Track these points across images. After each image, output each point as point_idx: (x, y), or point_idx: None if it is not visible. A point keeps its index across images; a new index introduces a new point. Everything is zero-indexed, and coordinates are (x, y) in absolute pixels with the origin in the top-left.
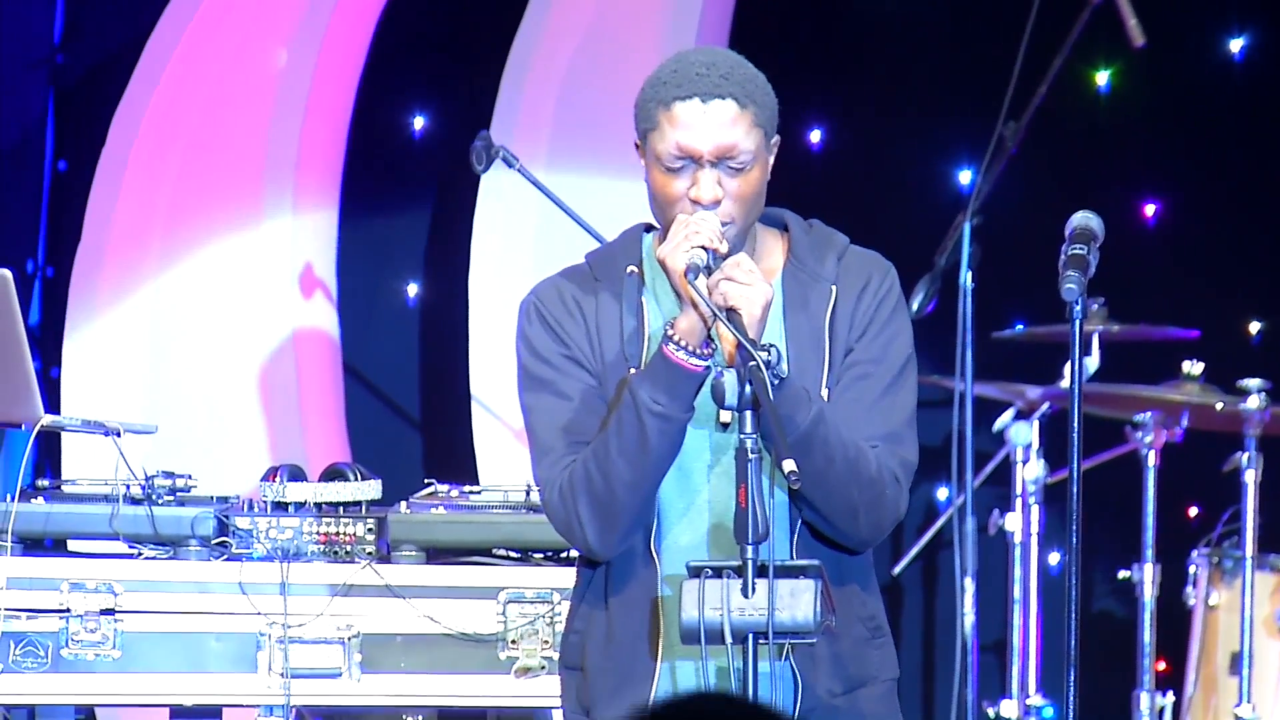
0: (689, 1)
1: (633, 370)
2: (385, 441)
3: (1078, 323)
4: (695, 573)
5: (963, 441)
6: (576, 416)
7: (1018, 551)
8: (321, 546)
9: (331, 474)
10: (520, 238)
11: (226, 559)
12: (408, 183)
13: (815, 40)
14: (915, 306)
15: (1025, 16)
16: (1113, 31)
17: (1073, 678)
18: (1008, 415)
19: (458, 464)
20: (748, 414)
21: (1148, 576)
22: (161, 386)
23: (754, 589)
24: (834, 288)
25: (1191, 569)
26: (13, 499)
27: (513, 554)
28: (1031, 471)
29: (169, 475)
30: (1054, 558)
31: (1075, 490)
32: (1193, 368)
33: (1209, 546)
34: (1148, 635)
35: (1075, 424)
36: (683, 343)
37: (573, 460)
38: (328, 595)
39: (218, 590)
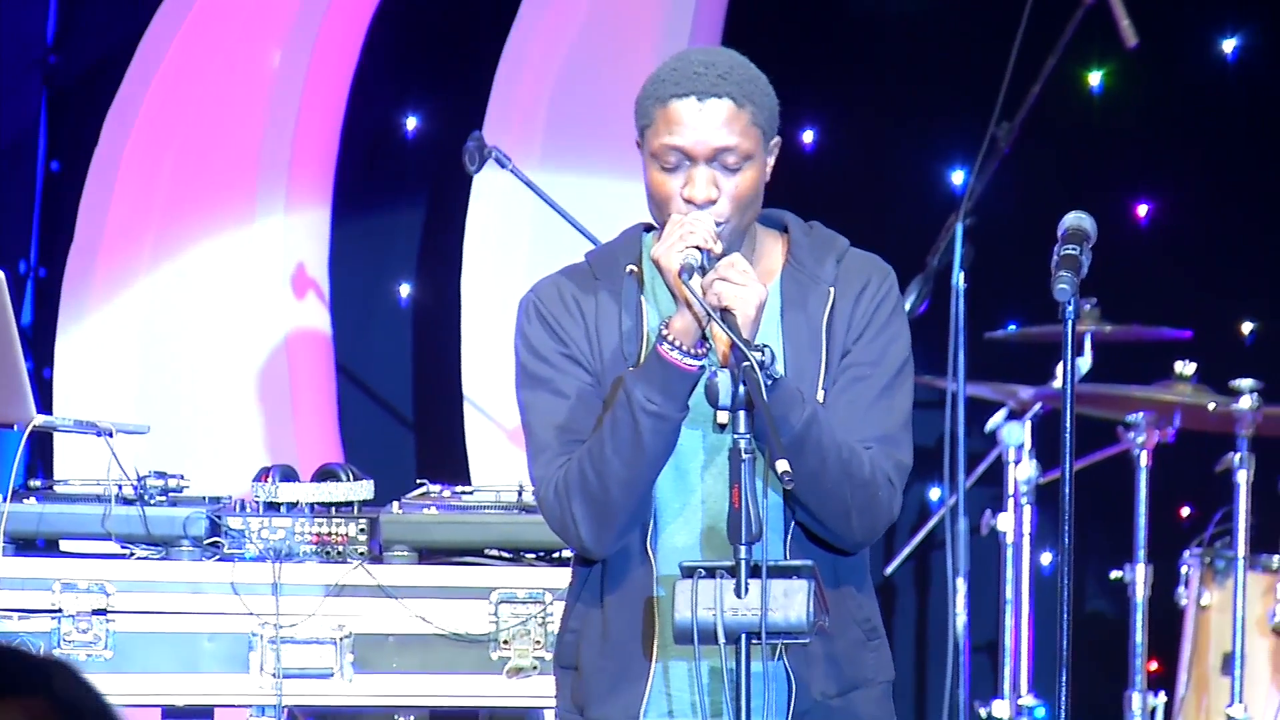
0: (683, 1)
1: (630, 369)
2: (378, 442)
3: (1070, 323)
4: (689, 573)
5: (955, 442)
6: (573, 415)
7: (1010, 552)
8: (314, 547)
9: (324, 474)
10: (513, 238)
11: (219, 559)
12: (401, 183)
13: (808, 40)
14: (908, 307)
15: (1018, 17)
16: (1106, 32)
17: (1065, 678)
18: (1000, 415)
19: (450, 464)
20: (741, 414)
21: (1140, 577)
22: (154, 387)
23: (747, 589)
24: (832, 290)
25: (1183, 569)
26: (5, 499)
27: (505, 554)
28: (1024, 472)
29: (161, 475)
30: (1046, 558)
31: (1067, 490)
32: (1185, 368)
33: (1201, 547)
34: (1139, 635)
35: (1067, 424)
36: (677, 342)
37: (568, 458)
38: (320, 595)
39: (210, 590)
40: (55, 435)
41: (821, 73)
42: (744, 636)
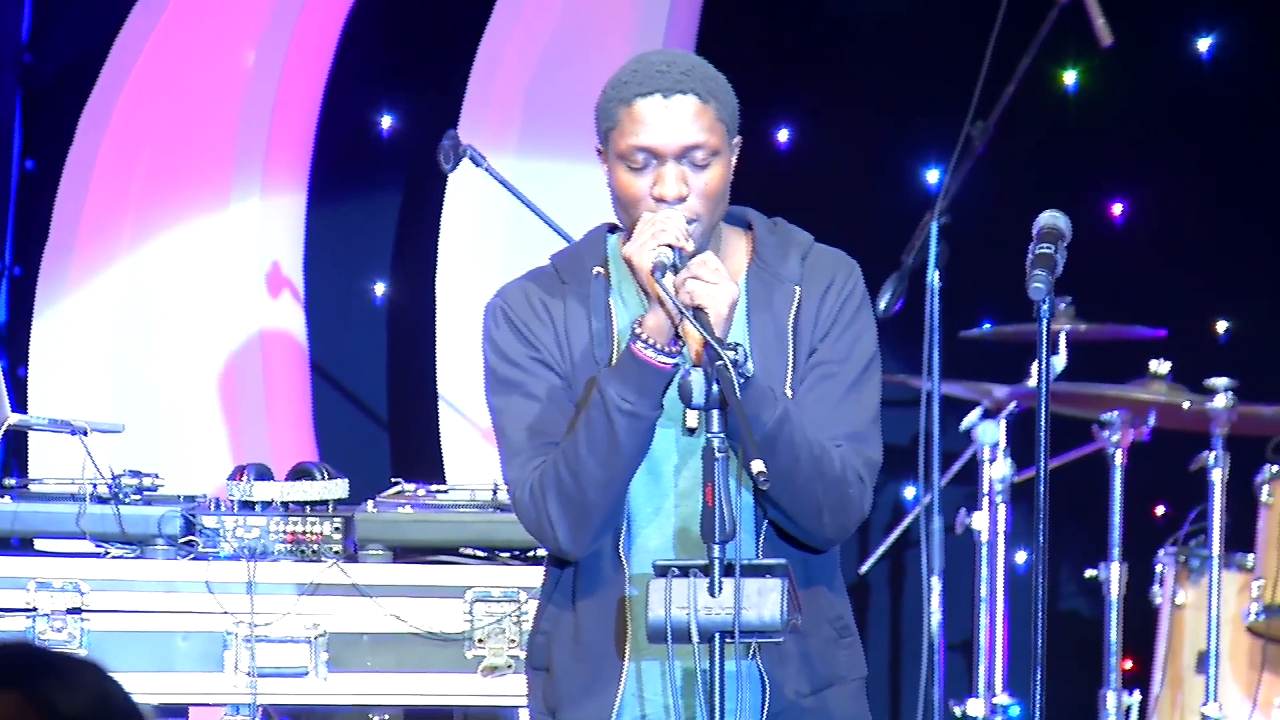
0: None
1: (603, 369)
2: (352, 440)
3: (1045, 322)
4: (662, 572)
5: (930, 440)
6: (546, 417)
7: (984, 550)
8: (288, 545)
9: (298, 473)
10: (488, 237)
11: (193, 558)
12: (376, 181)
13: (783, 38)
14: (883, 305)
15: (993, 16)
16: (1081, 31)
17: (1039, 676)
18: (975, 414)
19: (425, 463)
20: (714, 413)
21: (1114, 575)
22: (128, 386)
23: (721, 588)
24: (798, 288)
25: (1158, 568)
26: None
27: (480, 553)
28: (998, 470)
29: (136, 474)
30: (1021, 556)
31: (1042, 489)
32: (1160, 367)
33: (1176, 545)
34: (1114, 634)
35: (1042, 423)
36: (651, 340)
37: (543, 460)
38: (295, 594)
39: (184, 589)
40: (30, 434)
41: (797, 71)
42: (718, 635)
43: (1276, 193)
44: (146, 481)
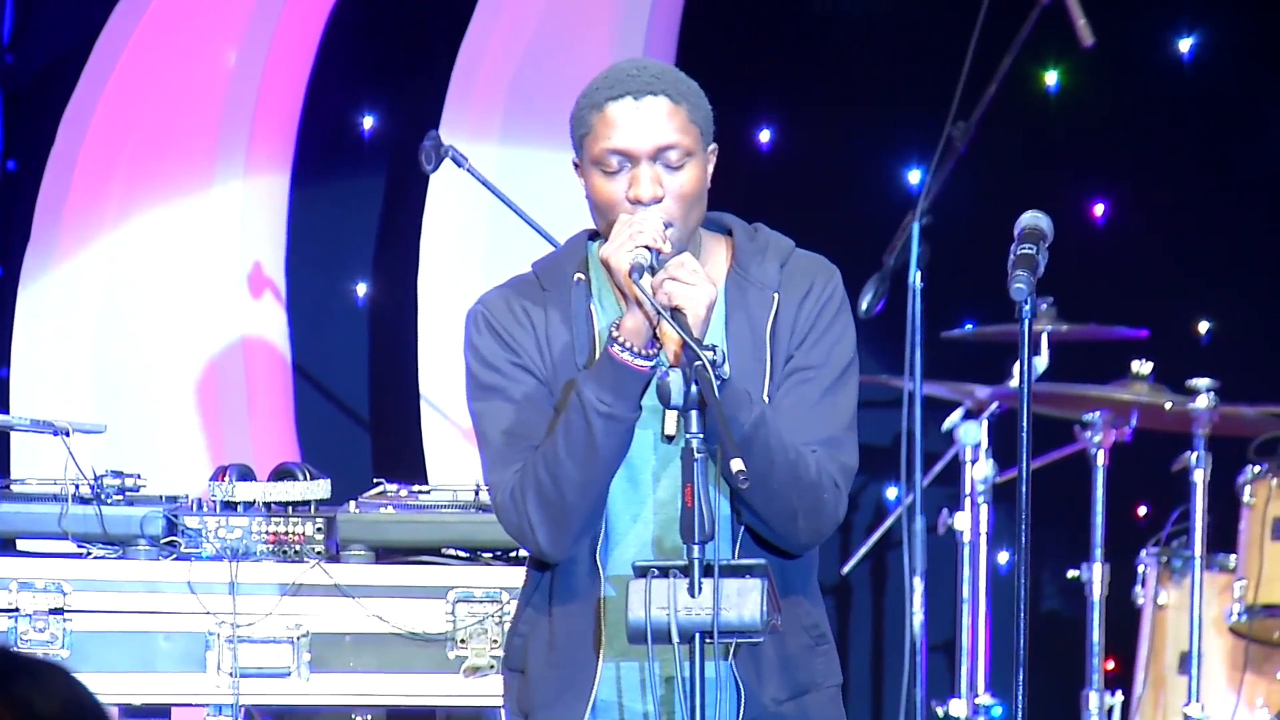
0: (639, 2)
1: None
2: (334, 441)
3: (1027, 322)
4: (642, 572)
5: (912, 441)
6: (527, 421)
7: (967, 551)
8: (270, 546)
9: (280, 474)
10: (470, 237)
11: (175, 558)
12: (357, 182)
13: (765, 38)
14: (864, 306)
15: (974, 16)
16: (1062, 31)
17: (1022, 677)
18: (957, 415)
19: (407, 463)
20: (693, 413)
21: (1096, 576)
22: (110, 386)
23: (700, 588)
24: (776, 295)
25: (1140, 568)
26: None
27: (462, 554)
28: (980, 471)
29: (118, 475)
30: (1003, 557)
31: (1024, 490)
32: (1141, 367)
33: (1158, 546)
34: (1096, 634)
35: (1024, 423)
36: (628, 343)
37: (523, 464)
38: (277, 595)
39: (167, 590)
40: (11, 434)
41: (778, 71)
42: (698, 636)
43: (1258, 193)
44: (129, 482)
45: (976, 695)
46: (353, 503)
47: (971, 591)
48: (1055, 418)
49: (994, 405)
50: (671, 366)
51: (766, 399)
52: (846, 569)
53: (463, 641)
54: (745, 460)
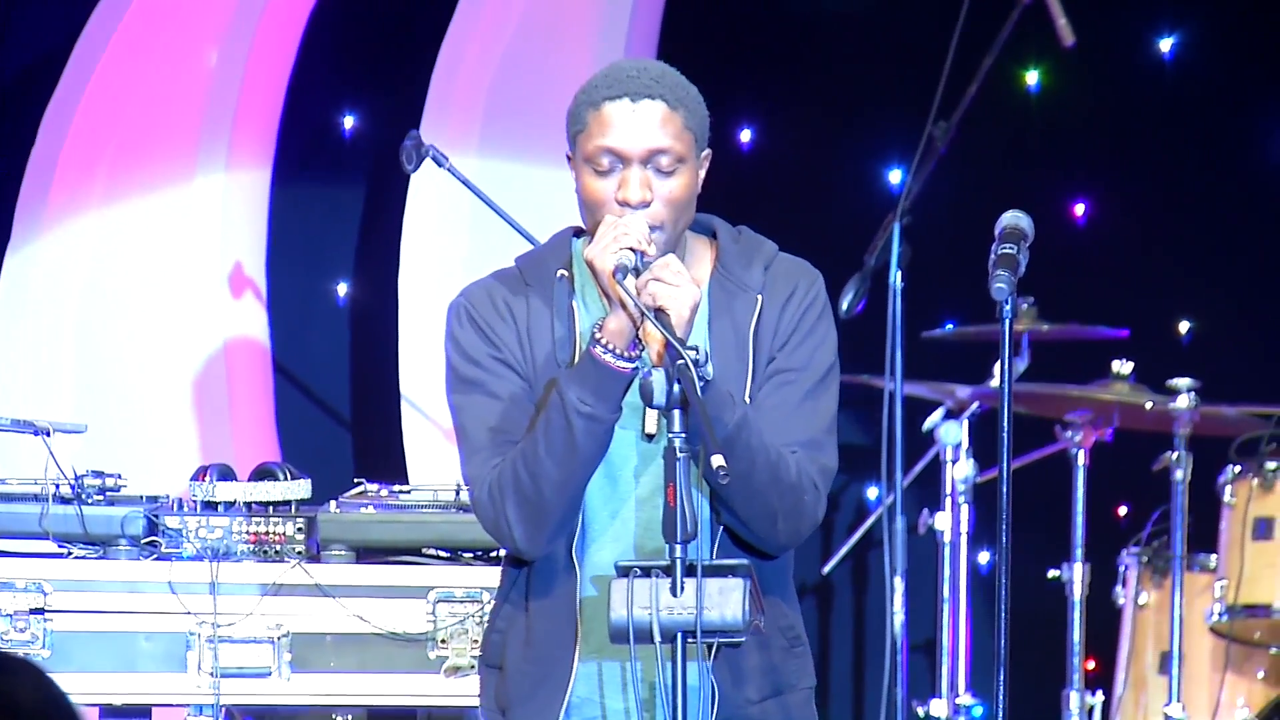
0: (620, 1)
1: (564, 370)
2: (315, 441)
3: (1007, 322)
4: (624, 572)
5: (893, 441)
6: (507, 416)
7: (947, 550)
8: (251, 546)
9: (261, 473)
10: (450, 237)
11: (156, 558)
12: (338, 182)
13: (746, 38)
14: (845, 306)
15: (955, 16)
16: (1043, 31)
17: (1002, 677)
18: (937, 414)
19: (388, 463)
20: (675, 413)
21: (1077, 576)
22: (91, 386)
23: (683, 588)
24: (759, 298)
25: (1121, 568)
26: None
27: (442, 553)
28: (961, 471)
29: (98, 475)
30: (984, 557)
31: (1005, 489)
32: (1122, 367)
33: (1139, 546)
34: (1077, 634)
35: (1005, 423)
36: (610, 344)
37: (502, 459)
38: (258, 595)
39: (147, 590)
40: None
41: (758, 72)
42: (680, 635)
43: (1239, 193)
44: (109, 482)
45: (957, 695)
46: (333, 502)
47: (952, 591)
48: (1036, 418)
49: (975, 405)
50: (655, 366)
51: (748, 400)
52: (827, 569)
53: (443, 641)
54: (728, 460)
